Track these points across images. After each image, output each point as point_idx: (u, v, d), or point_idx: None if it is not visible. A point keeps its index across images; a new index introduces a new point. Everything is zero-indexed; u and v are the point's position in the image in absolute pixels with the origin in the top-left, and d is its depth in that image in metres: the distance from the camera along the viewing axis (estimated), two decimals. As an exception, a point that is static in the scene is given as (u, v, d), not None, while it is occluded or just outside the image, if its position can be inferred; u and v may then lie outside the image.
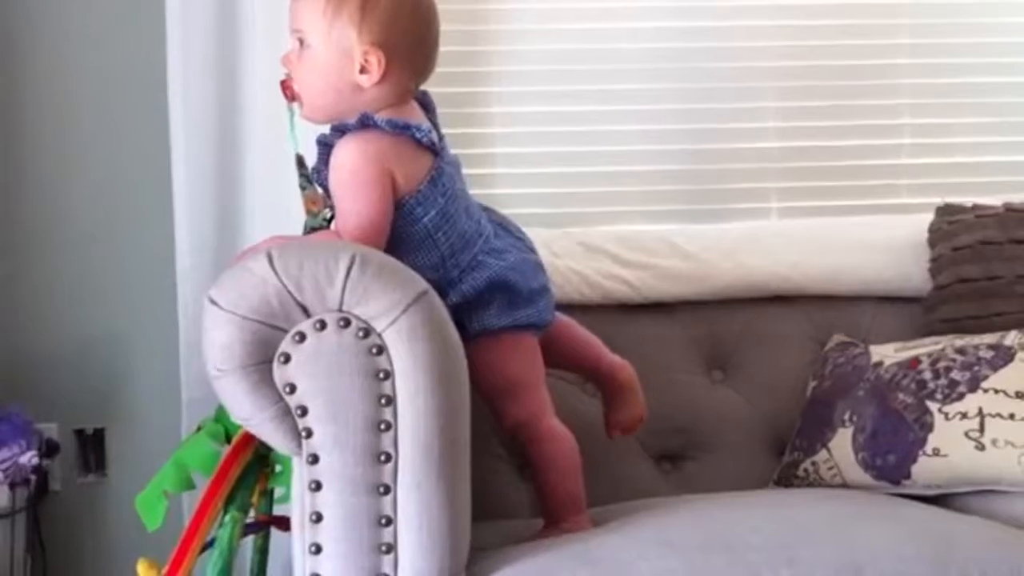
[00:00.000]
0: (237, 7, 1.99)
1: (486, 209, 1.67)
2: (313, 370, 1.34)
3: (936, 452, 1.67)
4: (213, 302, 1.34)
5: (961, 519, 1.55)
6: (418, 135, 1.53)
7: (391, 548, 1.35)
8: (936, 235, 1.99)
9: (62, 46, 2.09)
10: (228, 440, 1.61)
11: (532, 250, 1.67)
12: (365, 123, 1.52)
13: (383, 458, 1.35)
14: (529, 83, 2.18)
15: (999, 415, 1.64)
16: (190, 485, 1.61)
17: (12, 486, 1.93)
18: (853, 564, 1.37)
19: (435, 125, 1.60)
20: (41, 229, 2.11)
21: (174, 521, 1.65)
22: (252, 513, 1.62)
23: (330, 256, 1.35)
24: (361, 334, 1.34)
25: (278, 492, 1.64)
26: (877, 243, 2.02)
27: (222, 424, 1.64)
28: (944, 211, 2.01)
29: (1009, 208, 1.98)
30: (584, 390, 1.93)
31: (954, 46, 2.24)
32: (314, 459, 1.35)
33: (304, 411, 1.35)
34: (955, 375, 1.71)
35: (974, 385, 1.69)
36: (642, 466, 1.89)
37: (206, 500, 1.52)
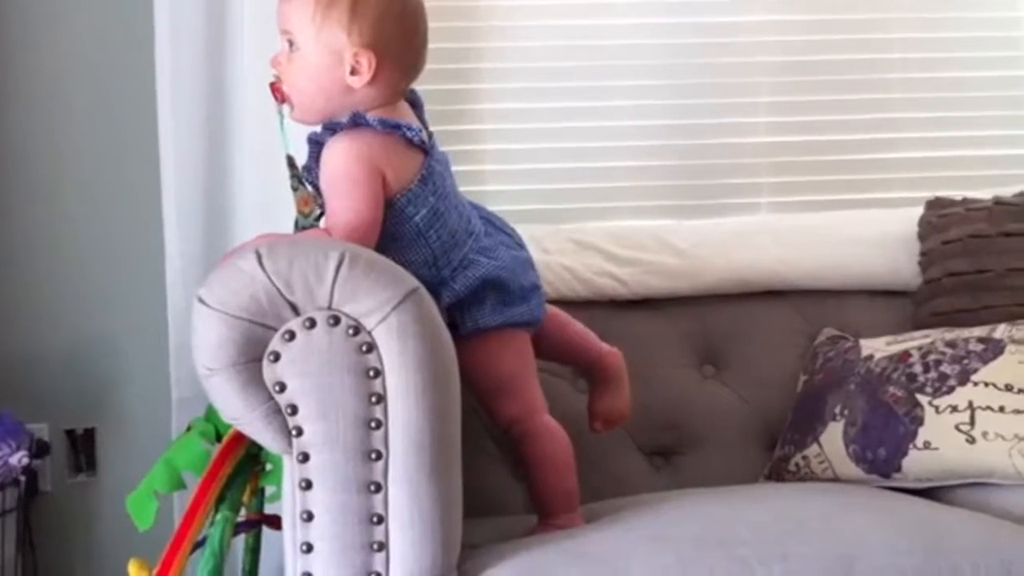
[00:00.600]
0: (226, 8, 1.98)
1: (475, 206, 1.67)
2: (303, 368, 1.34)
3: (927, 445, 1.67)
4: (202, 301, 1.34)
5: (952, 512, 1.55)
6: (409, 134, 1.53)
7: (383, 546, 1.35)
8: (926, 229, 1.99)
9: (51, 49, 2.09)
10: (219, 439, 1.61)
11: (522, 246, 1.67)
12: (357, 122, 1.52)
13: (374, 456, 1.35)
14: (519, 80, 2.18)
15: (989, 408, 1.65)
16: (181, 485, 1.61)
17: (2, 487, 1.93)
18: (845, 557, 1.37)
19: (423, 123, 1.60)
20: (31, 230, 2.10)
21: (165, 521, 1.64)
22: (243, 512, 1.62)
23: (319, 254, 1.35)
24: (351, 332, 1.34)
25: (269, 490, 1.64)
26: (867, 237, 2.02)
27: (212, 423, 1.64)
28: (934, 205, 2.02)
29: (999, 202, 1.99)
30: (576, 387, 1.93)
31: (943, 41, 2.25)
32: (305, 457, 1.35)
33: (294, 409, 1.35)
34: (945, 368, 1.71)
35: (964, 378, 1.69)
36: (634, 461, 1.89)
37: (197, 499, 1.51)
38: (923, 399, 1.70)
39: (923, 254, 1.98)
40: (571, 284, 1.93)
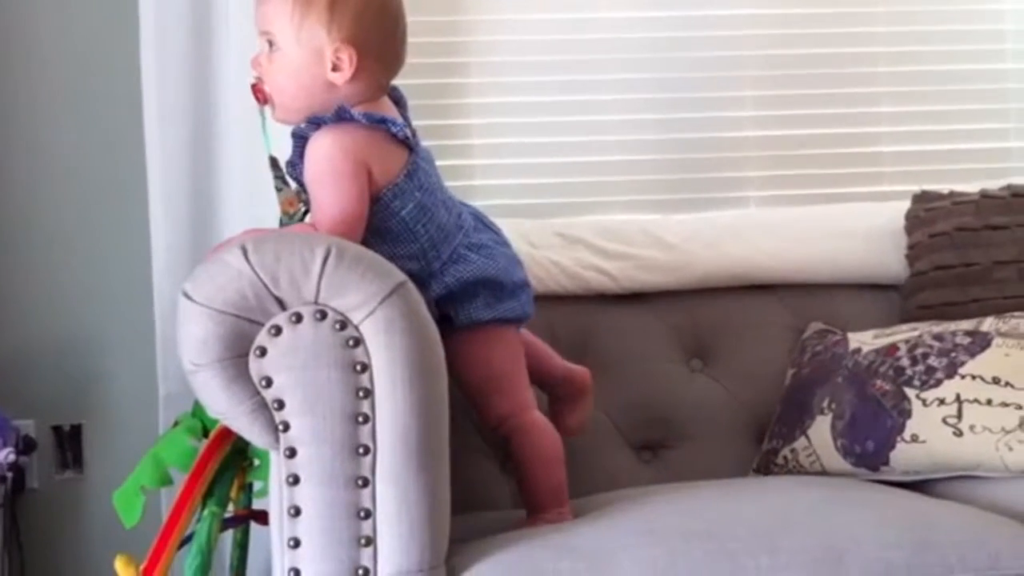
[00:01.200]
0: (211, 8, 1.98)
1: (462, 204, 1.66)
2: (290, 363, 1.34)
3: (914, 438, 1.67)
4: (188, 296, 1.33)
5: (940, 505, 1.55)
6: (393, 129, 1.52)
7: (370, 541, 1.34)
8: (913, 222, 1.99)
9: (36, 46, 2.08)
10: (206, 435, 1.61)
11: (507, 244, 1.67)
12: (342, 116, 1.51)
13: (361, 451, 1.34)
14: (506, 74, 2.18)
15: (976, 401, 1.65)
16: (168, 481, 1.61)
17: (-11, 483, 1.92)
18: (833, 550, 1.37)
19: (407, 120, 1.60)
20: (17, 226, 2.09)
21: (152, 517, 1.64)
22: (231, 508, 1.61)
23: (306, 248, 1.34)
24: (338, 326, 1.34)
25: (257, 486, 1.64)
26: (855, 231, 2.02)
27: (199, 419, 1.64)
28: (921, 198, 2.02)
29: (985, 195, 1.99)
30: (564, 381, 1.93)
31: (928, 34, 2.25)
32: (291, 453, 1.35)
33: (281, 405, 1.35)
34: (933, 361, 1.71)
35: (951, 371, 1.69)
36: (622, 456, 1.89)
37: (184, 495, 1.51)
38: (911, 392, 1.70)
39: (910, 247, 1.98)
40: (558, 278, 1.93)
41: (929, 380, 1.70)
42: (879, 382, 1.73)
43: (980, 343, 1.71)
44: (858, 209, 2.09)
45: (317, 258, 1.33)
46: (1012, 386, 1.65)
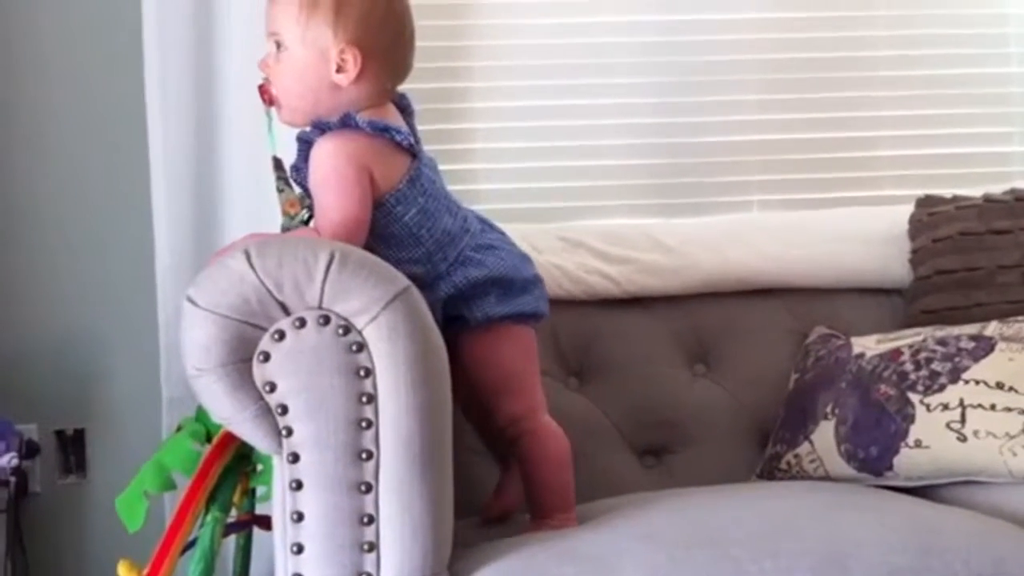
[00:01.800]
0: (213, 10, 1.98)
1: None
2: (293, 368, 1.34)
3: (918, 444, 1.67)
4: (191, 301, 1.33)
5: (944, 510, 1.55)
6: (397, 137, 1.53)
7: (373, 546, 1.34)
8: (916, 226, 1.99)
9: (39, 48, 2.08)
10: (209, 439, 1.61)
11: (513, 244, 1.67)
12: (346, 123, 1.52)
13: (364, 456, 1.34)
14: (509, 78, 2.18)
15: (980, 406, 1.65)
16: (171, 485, 1.60)
17: (-8, 488, 1.92)
18: (836, 555, 1.37)
19: (412, 127, 1.60)
20: (20, 229, 2.09)
21: (155, 522, 1.64)
22: (234, 513, 1.61)
23: (309, 253, 1.34)
24: (341, 331, 1.34)
25: (260, 491, 1.64)
26: (858, 235, 2.02)
27: (203, 423, 1.64)
28: (924, 203, 2.02)
29: (988, 199, 1.99)
30: (568, 386, 1.93)
31: (931, 37, 2.25)
32: (295, 458, 1.35)
33: (284, 409, 1.34)
34: (936, 366, 1.71)
35: (955, 376, 1.69)
36: (625, 460, 1.89)
37: (187, 500, 1.51)
38: (914, 397, 1.70)
39: (914, 252, 1.98)
40: (561, 283, 1.93)
41: (933, 385, 1.70)
42: (883, 387, 1.73)
43: (984, 348, 1.71)
44: (861, 213, 2.09)
45: (320, 263, 1.33)
46: (1016, 391, 1.65)
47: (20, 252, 2.09)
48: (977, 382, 1.67)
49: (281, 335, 1.33)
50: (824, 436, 1.76)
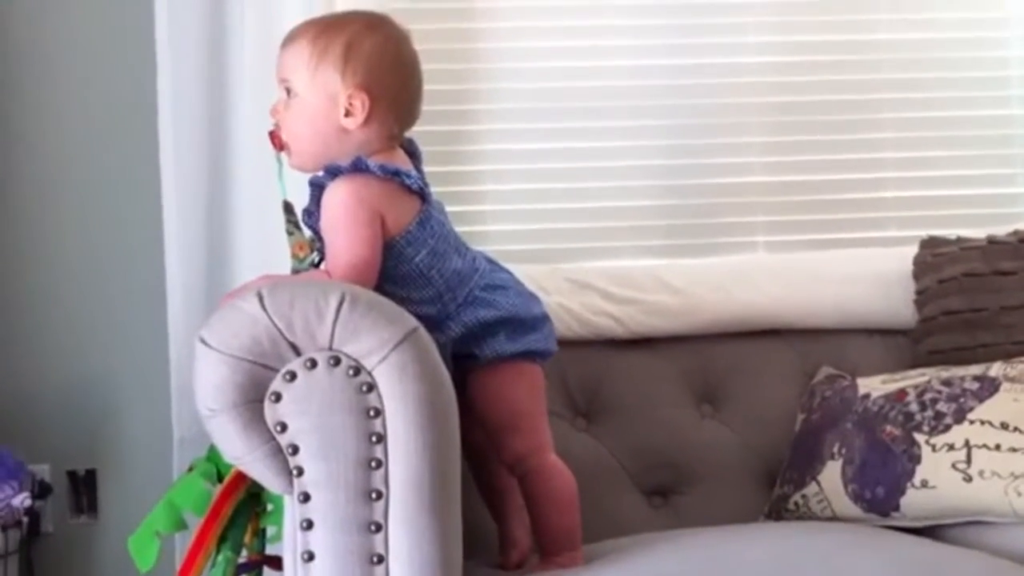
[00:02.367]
0: (226, 52, 2.01)
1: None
2: (304, 408, 1.35)
3: (924, 484, 1.68)
4: (204, 342, 1.35)
5: (949, 550, 1.55)
6: (408, 181, 1.55)
7: (383, 586, 1.35)
8: (921, 268, 2.01)
9: (52, 86, 2.11)
10: (220, 479, 1.62)
11: (521, 284, 1.69)
12: (358, 167, 1.54)
13: (374, 496, 1.35)
14: (516, 121, 2.20)
15: (985, 446, 1.65)
16: (182, 525, 1.61)
17: (4, 528, 1.93)
18: (844, 596, 1.37)
19: (420, 171, 1.62)
20: (32, 271, 2.11)
21: (167, 562, 1.65)
22: (245, 553, 1.62)
23: (320, 295, 1.36)
24: (351, 372, 1.35)
25: (270, 531, 1.64)
26: (863, 276, 2.03)
27: (214, 463, 1.65)
28: (928, 244, 2.03)
29: (992, 240, 2.00)
30: (575, 425, 1.94)
31: (934, 81, 2.27)
32: (305, 497, 1.36)
33: (295, 449, 1.36)
34: (941, 407, 1.72)
35: (960, 416, 1.70)
36: (633, 501, 1.90)
37: (199, 540, 1.52)
38: (920, 438, 1.71)
39: (919, 292, 1.99)
40: (569, 324, 1.94)
41: (938, 425, 1.70)
42: (888, 427, 1.74)
43: (988, 388, 1.72)
44: (866, 254, 2.10)
45: (331, 305, 1.35)
46: (1020, 431, 1.65)
47: (33, 294, 2.11)
48: (982, 422, 1.67)
49: (292, 376, 1.35)
50: (831, 476, 1.76)
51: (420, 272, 1.55)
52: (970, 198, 2.26)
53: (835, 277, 2.03)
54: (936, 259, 1.99)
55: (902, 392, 1.78)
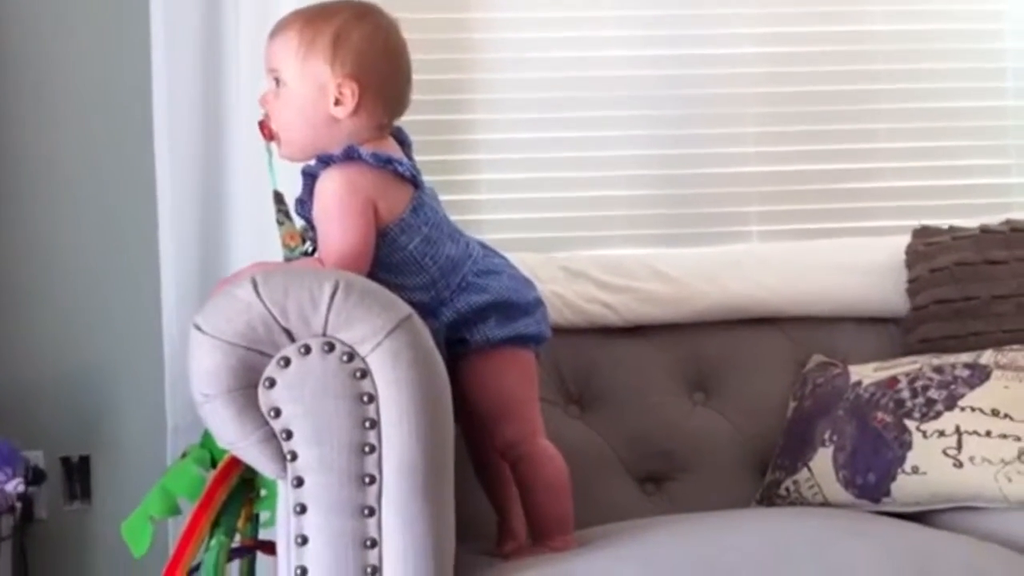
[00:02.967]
0: (222, 43, 2.01)
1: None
2: (298, 394, 1.36)
3: (915, 470, 1.69)
4: (198, 328, 1.35)
5: (940, 535, 1.56)
6: (400, 168, 1.55)
7: (376, 570, 1.36)
8: (913, 257, 2.01)
9: (46, 77, 2.11)
10: (214, 465, 1.62)
11: (516, 269, 1.69)
12: (350, 155, 1.54)
13: (368, 480, 1.36)
14: (511, 111, 2.21)
15: (976, 432, 1.66)
16: (176, 511, 1.62)
17: (-2, 514, 1.94)
18: (834, 581, 1.38)
19: (411, 160, 1.63)
20: (26, 258, 2.11)
21: (160, 547, 1.65)
22: (238, 538, 1.63)
23: (314, 282, 1.36)
24: (345, 358, 1.36)
25: (264, 516, 1.65)
26: (856, 265, 2.04)
27: (208, 449, 1.65)
28: (921, 233, 2.04)
29: (984, 230, 2.01)
30: (567, 412, 1.94)
31: (929, 71, 2.28)
32: (299, 482, 1.36)
33: (289, 435, 1.36)
34: (932, 394, 1.73)
35: (951, 403, 1.70)
36: (625, 488, 1.90)
37: (192, 525, 1.52)
38: (911, 424, 1.71)
39: (911, 281, 2.00)
40: (562, 312, 1.94)
41: (929, 412, 1.71)
42: (880, 414, 1.75)
43: (979, 376, 1.73)
44: (859, 243, 2.10)
45: (325, 292, 1.36)
46: (1011, 418, 1.66)
47: (28, 282, 2.11)
48: (973, 409, 1.68)
49: (286, 362, 1.35)
50: (822, 463, 1.77)
51: (414, 259, 1.56)
52: (964, 188, 2.27)
53: (828, 266, 2.04)
54: (928, 248, 2.00)
55: (893, 379, 1.79)
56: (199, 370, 1.35)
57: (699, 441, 1.92)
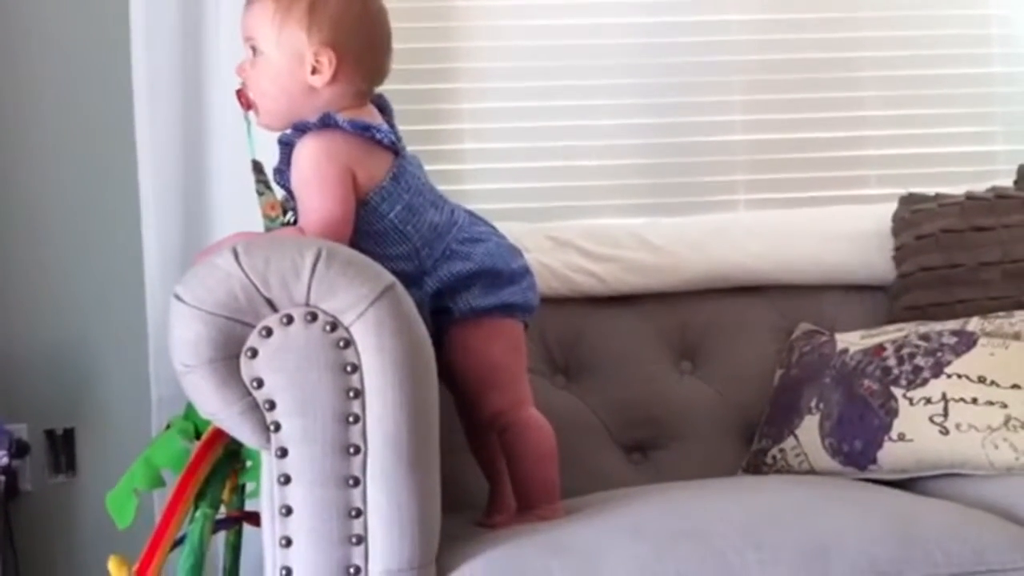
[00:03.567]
0: (202, 15, 1.99)
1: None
2: (280, 364, 1.35)
3: (901, 437, 1.69)
4: (179, 298, 1.34)
5: (925, 501, 1.56)
6: (378, 135, 1.54)
7: (361, 539, 1.35)
8: (900, 224, 2.01)
9: (27, 53, 2.09)
10: (198, 437, 1.62)
11: (504, 237, 1.68)
12: (326, 123, 1.53)
13: (352, 450, 1.35)
14: (497, 79, 2.19)
15: (962, 400, 1.66)
16: (160, 483, 1.61)
17: (-18, 487, 1.93)
18: (819, 546, 1.38)
19: (392, 127, 1.61)
20: (8, 231, 2.10)
21: (145, 519, 1.65)
22: (223, 509, 1.62)
23: (296, 251, 1.35)
24: (328, 328, 1.35)
25: (249, 487, 1.65)
26: (842, 233, 2.03)
27: (192, 421, 1.65)
28: (907, 201, 2.03)
29: (970, 197, 2.01)
30: (554, 383, 1.94)
31: (916, 39, 2.27)
32: (283, 452, 1.36)
33: (272, 405, 1.36)
34: (919, 361, 1.73)
35: (938, 371, 1.70)
36: (613, 457, 1.91)
37: (176, 497, 1.52)
38: (897, 392, 1.72)
39: (897, 249, 2.00)
40: (548, 281, 1.94)
41: (916, 379, 1.71)
42: (866, 382, 1.75)
43: (966, 343, 1.73)
44: (846, 212, 2.10)
45: (307, 261, 1.35)
46: (997, 385, 1.66)
47: (10, 254, 2.10)
48: (959, 376, 1.68)
49: (268, 332, 1.34)
50: (809, 431, 1.77)
51: (395, 227, 1.55)
52: (950, 156, 2.27)
53: (814, 234, 2.04)
54: (914, 215, 2.00)
55: (880, 347, 1.78)
56: (180, 341, 1.34)
57: (686, 410, 1.93)
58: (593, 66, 2.21)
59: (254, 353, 1.35)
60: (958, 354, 1.71)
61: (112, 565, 1.49)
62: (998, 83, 2.30)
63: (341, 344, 1.35)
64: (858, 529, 1.41)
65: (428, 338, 1.42)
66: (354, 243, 1.51)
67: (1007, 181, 2.07)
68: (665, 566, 1.36)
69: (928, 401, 1.68)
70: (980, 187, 2.04)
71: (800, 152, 2.25)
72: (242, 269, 1.34)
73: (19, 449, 2.03)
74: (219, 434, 1.54)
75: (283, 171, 1.59)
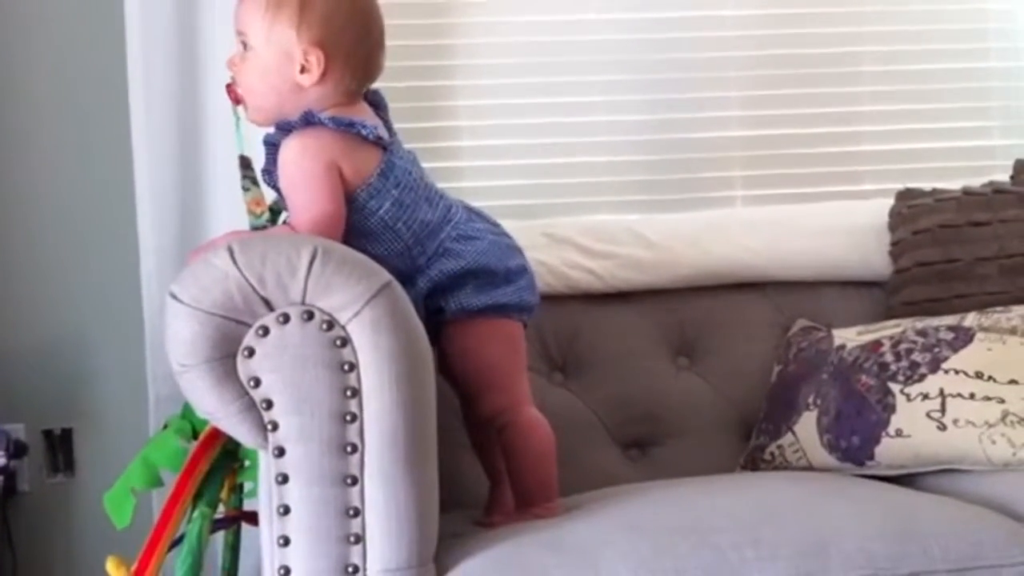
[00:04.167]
0: (197, 11, 1.99)
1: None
2: (277, 363, 1.35)
3: (899, 433, 1.69)
4: (175, 297, 1.34)
5: (923, 497, 1.56)
6: (363, 132, 1.53)
7: (359, 539, 1.35)
8: (896, 219, 2.01)
9: (23, 48, 2.08)
10: (195, 436, 1.62)
11: (504, 234, 1.67)
12: (309, 121, 1.52)
13: (349, 449, 1.35)
14: (494, 76, 2.19)
15: (960, 395, 1.66)
16: (158, 482, 1.62)
17: (-20, 488, 1.93)
18: (817, 542, 1.38)
19: (387, 123, 1.61)
20: (3, 230, 2.10)
21: (143, 519, 1.65)
22: (221, 508, 1.62)
23: (292, 249, 1.35)
24: (325, 327, 1.35)
25: (247, 487, 1.65)
26: (839, 228, 2.03)
27: (189, 420, 1.65)
28: (904, 196, 2.03)
29: (967, 192, 2.01)
30: (551, 380, 1.94)
31: (912, 34, 2.27)
32: (280, 452, 1.36)
33: (269, 404, 1.35)
34: (916, 357, 1.73)
35: (935, 366, 1.71)
36: (610, 453, 1.90)
37: (174, 497, 1.52)
38: (895, 387, 1.72)
39: (894, 244, 2.00)
40: (545, 278, 1.93)
41: (913, 375, 1.71)
42: (864, 378, 1.75)
43: (963, 338, 1.73)
44: (843, 207, 2.10)
45: (303, 259, 1.34)
46: (994, 380, 1.66)
47: (6, 253, 2.10)
48: (956, 372, 1.68)
49: (265, 331, 1.34)
50: (806, 427, 1.77)
51: (385, 225, 1.54)
52: (947, 151, 2.27)
53: (812, 230, 2.03)
54: (911, 211, 2.00)
55: (877, 343, 1.78)
56: (176, 340, 1.34)
57: (683, 406, 1.92)
58: (590, 63, 2.20)
59: (251, 352, 1.35)
60: (955, 350, 1.71)
61: (110, 565, 1.49)
62: (995, 78, 2.30)
63: (338, 342, 1.35)
64: (856, 525, 1.41)
65: (425, 336, 1.42)
66: (346, 241, 1.50)
67: (1004, 176, 2.07)
68: (663, 563, 1.36)
69: (925, 397, 1.68)
70: (977, 182, 2.04)
71: (797, 148, 2.25)
72: (238, 268, 1.34)
73: (17, 449, 2.02)
74: (217, 433, 1.54)
75: (271, 172, 1.58)
